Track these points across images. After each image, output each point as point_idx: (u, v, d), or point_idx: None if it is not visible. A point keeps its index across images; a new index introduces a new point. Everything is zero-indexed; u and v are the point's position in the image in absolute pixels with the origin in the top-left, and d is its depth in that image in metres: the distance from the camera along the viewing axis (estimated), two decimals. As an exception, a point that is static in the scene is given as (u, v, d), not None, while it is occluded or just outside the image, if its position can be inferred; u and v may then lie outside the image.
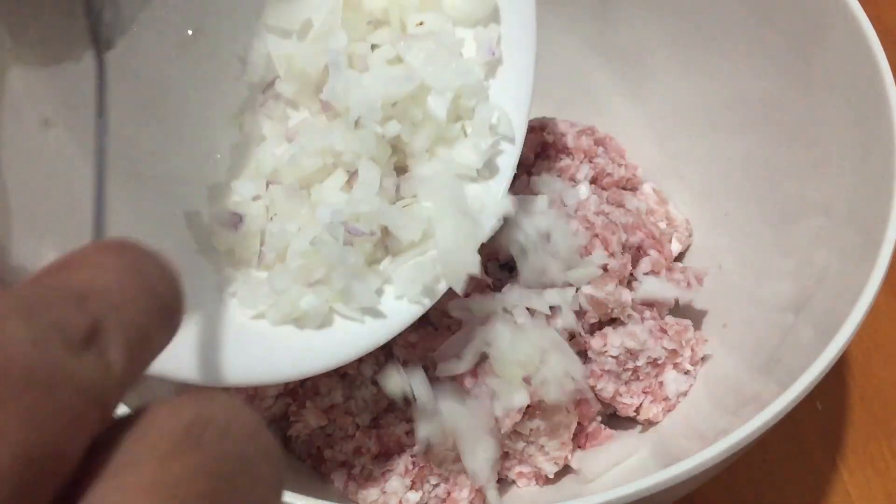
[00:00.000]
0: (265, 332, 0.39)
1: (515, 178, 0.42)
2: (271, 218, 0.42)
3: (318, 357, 0.38)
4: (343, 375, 0.45)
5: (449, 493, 0.43)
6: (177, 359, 0.35)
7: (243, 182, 0.42)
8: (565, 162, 0.51)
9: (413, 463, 0.43)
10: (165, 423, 0.19)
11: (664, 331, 0.45)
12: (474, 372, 0.42)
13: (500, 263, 0.46)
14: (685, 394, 0.46)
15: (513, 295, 0.42)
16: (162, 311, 0.20)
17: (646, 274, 0.47)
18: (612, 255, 0.44)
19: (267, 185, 0.42)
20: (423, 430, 0.40)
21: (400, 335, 0.46)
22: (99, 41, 0.35)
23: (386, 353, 0.45)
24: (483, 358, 0.42)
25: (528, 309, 0.42)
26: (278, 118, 0.44)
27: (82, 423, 0.17)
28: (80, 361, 0.17)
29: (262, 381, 0.38)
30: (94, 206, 0.28)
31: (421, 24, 0.42)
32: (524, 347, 0.41)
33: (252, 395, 0.44)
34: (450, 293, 0.40)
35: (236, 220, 0.41)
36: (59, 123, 0.37)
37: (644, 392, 0.45)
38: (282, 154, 0.43)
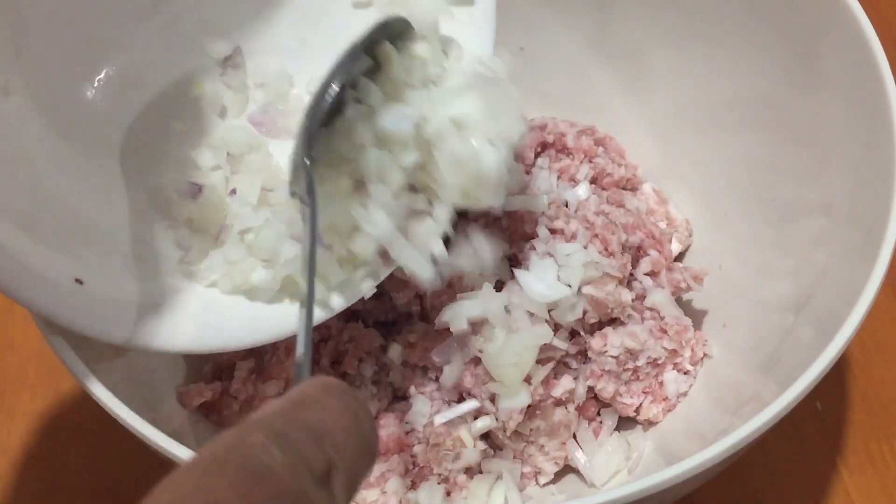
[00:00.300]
0: (219, 301, 0.39)
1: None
2: (233, 191, 0.42)
3: (268, 327, 0.39)
4: (343, 375, 0.45)
5: (449, 493, 0.43)
6: (139, 327, 0.36)
7: (203, 151, 0.43)
8: (565, 162, 0.51)
9: (413, 463, 0.44)
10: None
11: (664, 331, 0.45)
12: (473, 373, 0.43)
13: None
14: (685, 394, 0.46)
15: (511, 297, 0.42)
16: (368, 452, 0.24)
17: (646, 274, 0.47)
18: (612, 255, 0.44)
19: (227, 156, 0.43)
20: None
21: (399, 335, 0.46)
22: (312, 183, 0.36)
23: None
24: (477, 361, 0.42)
25: (528, 312, 0.42)
26: (237, 88, 0.44)
27: None
28: (321, 494, 0.21)
29: (213, 347, 0.39)
30: (305, 335, 0.30)
31: None
32: (516, 348, 0.41)
33: (252, 395, 0.44)
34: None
35: (195, 190, 0.41)
36: (19, 91, 0.37)
37: (644, 392, 0.45)
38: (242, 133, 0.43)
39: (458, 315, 0.42)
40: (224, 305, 0.39)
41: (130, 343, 0.36)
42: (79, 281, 0.35)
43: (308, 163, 0.35)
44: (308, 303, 0.32)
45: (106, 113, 0.41)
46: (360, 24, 0.42)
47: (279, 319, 0.39)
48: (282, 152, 0.44)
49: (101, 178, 0.40)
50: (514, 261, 0.45)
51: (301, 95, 0.45)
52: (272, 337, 0.39)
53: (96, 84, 0.41)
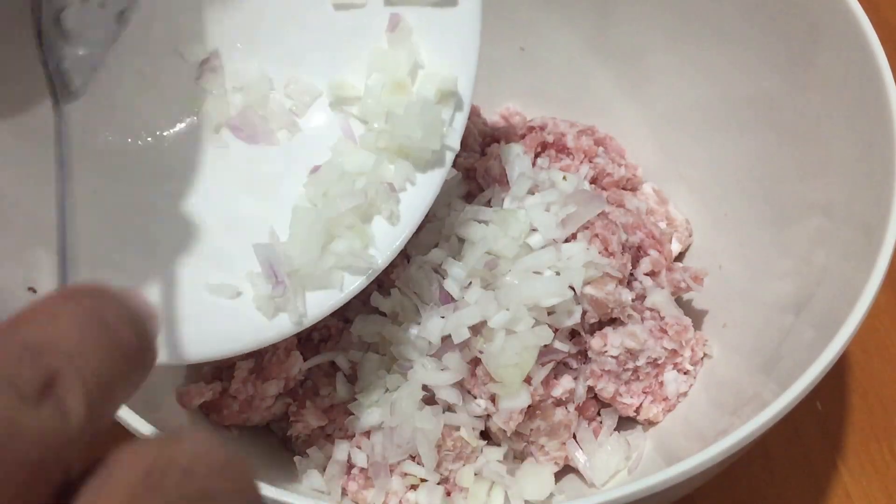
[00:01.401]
0: (219, 304, 0.39)
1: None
2: None
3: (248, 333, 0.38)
4: (346, 376, 0.45)
5: (449, 494, 0.43)
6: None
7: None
8: (565, 162, 0.51)
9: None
10: (126, 469, 0.19)
11: (664, 331, 0.45)
12: (473, 373, 0.43)
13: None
14: (685, 394, 0.46)
15: (510, 298, 0.42)
16: (125, 357, 0.20)
17: (646, 274, 0.47)
18: (612, 255, 0.44)
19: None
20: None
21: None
22: (57, 93, 0.34)
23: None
24: (477, 363, 0.42)
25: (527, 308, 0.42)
26: (216, 92, 0.44)
27: (42, 475, 0.18)
28: (35, 413, 0.18)
29: (221, 353, 0.38)
30: (59, 256, 0.28)
31: None
32: (516, 349, 0.41)
33: (252, 395, 0.44)
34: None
35: None
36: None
37: (644, 392, 0.45)
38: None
39: (459, 325, 0.42)
40: (224, 308, 0.39)
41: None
42: (32, 290, 0.34)
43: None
44: (61, 203, 0.30)
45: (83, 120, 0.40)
46: (341, 26, 0.41)
47: (259, 325, 0.39)
48: (261, 158, 0.44)
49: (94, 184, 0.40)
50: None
51: (281, 99, 0.44)
52: (253, 344, 0.38)
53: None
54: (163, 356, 0.37)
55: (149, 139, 0.43)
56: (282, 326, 0.39)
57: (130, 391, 0.21)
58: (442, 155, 0.41)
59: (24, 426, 0.18)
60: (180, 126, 0.43)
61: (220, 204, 0.42)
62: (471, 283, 0.43)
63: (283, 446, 0.46)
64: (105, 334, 0.20)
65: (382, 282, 0.47)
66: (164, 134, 0.43)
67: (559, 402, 0.44)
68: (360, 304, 0.47)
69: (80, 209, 0.38)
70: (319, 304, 0.39)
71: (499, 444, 0.44)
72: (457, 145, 0.41)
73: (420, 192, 0.41)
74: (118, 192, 0.40)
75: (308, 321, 0.39)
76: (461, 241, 0.44)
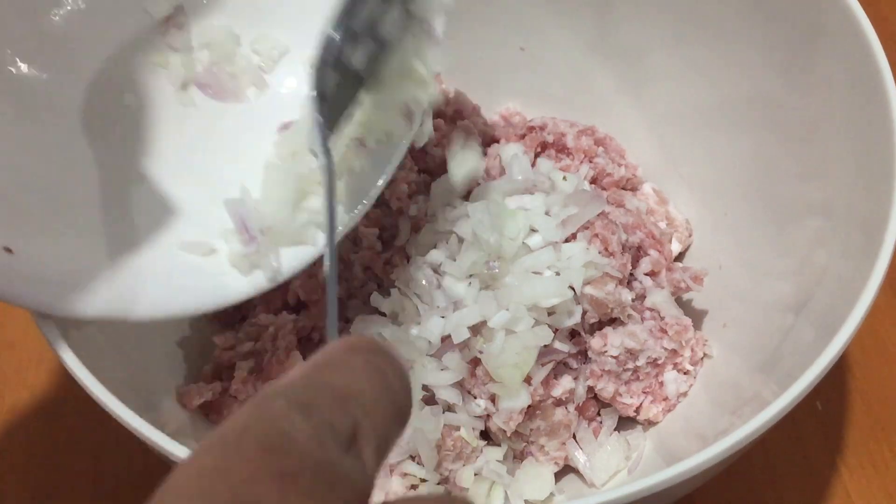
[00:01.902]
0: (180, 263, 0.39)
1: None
2: None
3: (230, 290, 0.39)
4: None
5: (449, 493, 0.43)
6: (90, 296, 0.35)
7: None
8: (565, 162, 0.51)
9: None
10: None
11: (664, 331, 0.45)
12: (473, 373, 0.43)
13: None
14: (685, 394, 0.46)
15: (510, 298, 0.42)
16: (399, 413, 0.23)
17: (646, 274, 0.47)
18: (612, 255, 0.44)
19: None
20: None
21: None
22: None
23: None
24: (477, 363, 0.42)
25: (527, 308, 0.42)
26: (182, 49, 0.43)
27: None
28: (347, 460, 0.20)
29: (197, 309, 0.39)
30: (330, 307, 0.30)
31: None
32: (516, 349, 0.41)
33: (252, 395, 0.44)
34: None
35: None
36: None
37: (644, 392, 0.45)
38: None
39: (458, 326, 0.42)
40: (184, 268, 0.39)
41: (83, 315, 0.35)
42: (7, 250, 0.34)
43: (322, 120, 0.35)
44: (331, 266, 0.32)
45: (50, 85, 0.40)
46: None
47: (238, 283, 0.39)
48: (229, 115, 0.43)
49: (50, 146, 0.39)
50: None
51: (248, 55, 0.44)
52: (230, 299, 0.39)
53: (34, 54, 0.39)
54: (140, 312, 0.37)
55: (117, 97, 0.42)
56: (257, 282, 0.39)
57: (395, 444, 0.23)
58: (411, 112, 0.41)
59: (343, 471, 0.20)
60: (147, 84, 0.43)
61: (189, 161, 0.42)
62: (470, 283, 0.43)
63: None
64: (388, 391, 0.22)
65: (382, 282, 0.47)
66: (132, 93, 0.42)
67: (559, 402, 0.44)
68: (360, 304, 0.47)
69: (51, 166, 0.38)
70: (294, 259, 0.40)
71: (499, 444, 0.44)
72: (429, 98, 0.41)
73: (390, 148, 0.41)
74: (87, 151, 0.40)
75: (282, 276, 0.39)
76: (461, 240, 0.44)
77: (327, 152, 0.36)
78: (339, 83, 0.37)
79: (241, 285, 0.39)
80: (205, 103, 0.43)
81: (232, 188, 0.41)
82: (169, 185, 0.41)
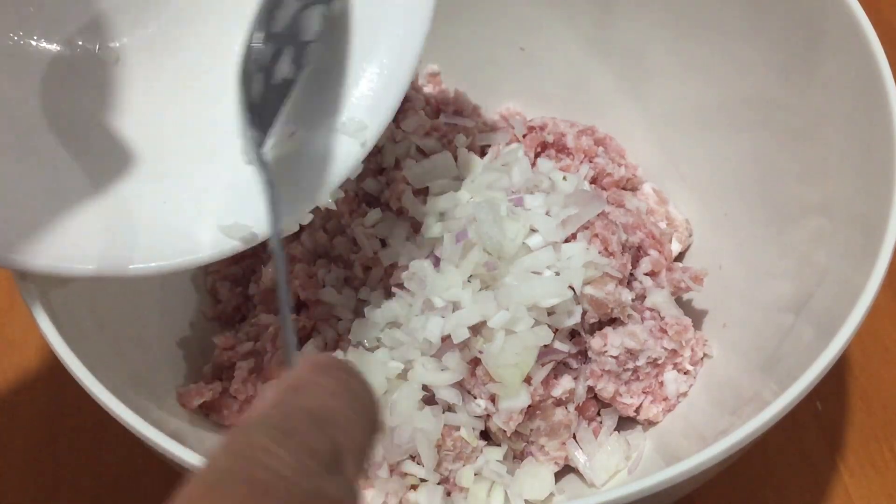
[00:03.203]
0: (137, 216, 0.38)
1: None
2: None
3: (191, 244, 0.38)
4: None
5: (449, 494, 0.43)
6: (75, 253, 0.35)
7: None
8: (565, 162, 0.51)
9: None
10: None
11: (664, 331, 0.45)
12: (473, 373, 0.43)
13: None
14: (685, 394, 0.46)
15: (510, 298, 0.42)
16: (372, 425, 0.23)
17: (646, 274, 0.47)
18: (612, 255, 0.44)
19: None
20: None
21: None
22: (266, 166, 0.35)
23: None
24: (477, 363, 0.42)
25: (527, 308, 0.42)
26: None
27: None
28: (333, 482, 0.20)
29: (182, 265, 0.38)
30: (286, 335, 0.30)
31: None
32: (516, 349, 0.41)
33: (252, 395, 0.44)
34: None
35: None
36: None
37: (644, 392, 0.45)
38: None
39: (458, 326, 0.42)
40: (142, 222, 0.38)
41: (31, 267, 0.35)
42: None
43: (254, 133, 0.35)
44: (282, 286, 0.31)
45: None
46: None
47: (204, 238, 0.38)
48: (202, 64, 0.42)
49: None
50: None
51: None
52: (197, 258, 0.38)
53: None
54: (135, 263, 0.36)
55: (88, 48, 0.41)
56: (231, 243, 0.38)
57: (370, 458, 0.24)
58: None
59: (329, 495, 0.20)
60: (116, 37, 0.42)
61: (165, 113, 0.41)
62: (470, 282, 0.43)
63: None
64: (360, 408, 0.22)
65: (382, 282, 0.47)
66: (105, 45, 0.41)
67: (559, 402, 0.44)
68: (359, 305, 0.47)
69: (23, 119, 0.37)
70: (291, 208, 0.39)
71: (499, 444, 0.44)
72: None
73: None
74: (60, 103, 0.39)
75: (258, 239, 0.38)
76: (461, 240, 0.44)
77: (264, 164, 0.35)
78: (268, 89, 0.36)
79: (225, 240, 0.38)
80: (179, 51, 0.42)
81: (218, 137, 0.40)
82: (147, 139, 0.40)
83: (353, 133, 0.40)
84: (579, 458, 0.44)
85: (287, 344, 0.29)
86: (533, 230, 0.44)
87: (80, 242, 0.36)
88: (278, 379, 0.23)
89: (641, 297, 0.46)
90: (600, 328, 0.45)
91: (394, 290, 0.46)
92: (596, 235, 0.44)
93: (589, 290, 0.43)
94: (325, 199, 0.40)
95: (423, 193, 0.49)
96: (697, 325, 0.48)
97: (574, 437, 0.45)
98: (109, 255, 0.36)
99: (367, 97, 0.41)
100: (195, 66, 0.42)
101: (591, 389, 0.45)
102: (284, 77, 0.37)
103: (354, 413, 0.22)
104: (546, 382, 0.43)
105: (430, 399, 0.43)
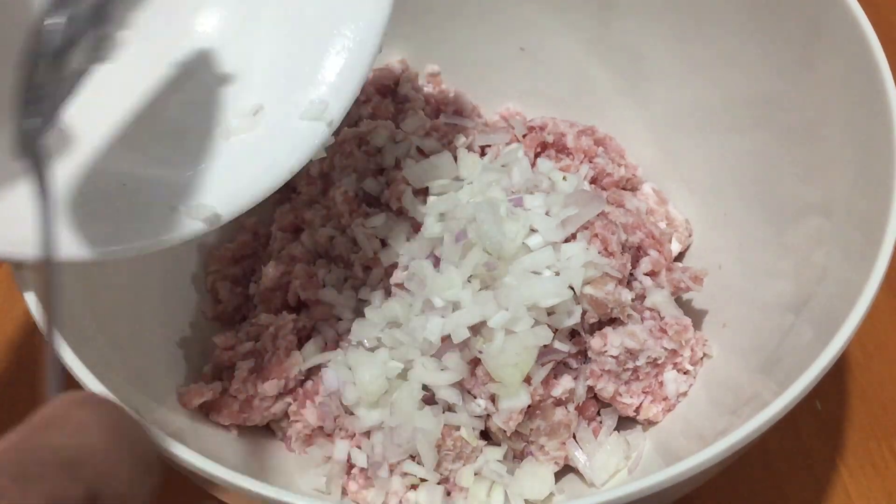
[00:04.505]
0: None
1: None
2: None
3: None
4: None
5: (449, 493, 0.43)
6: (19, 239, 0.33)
7: None
8: (565, 162, 0.51)
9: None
10: None
11: (664, 331, 0.45)
12: (473, 373, 0.43)
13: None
14: (685, 394, 0.46)
15: (510, 298, 0.42)
16: (143, 468, 0.20)
17: (646, 274, 0.47)
18: (611, 255, 0.44)
19: None
20: None
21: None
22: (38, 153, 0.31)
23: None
24: (477, 363, 0.42)
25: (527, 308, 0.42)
26: None
27: None
28: None
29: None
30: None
31: None
32: (516, 349, 0.41)
33: (252, 395, 0.44)
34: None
35: None
36: None
37: (644, 392, 0.45)
38: None
39: (458, 326, 0.42)
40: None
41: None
42: None
43: (36, 125, 0.30)
44: (51, 305, 0.29)
45: None
46: None
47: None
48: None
49: None
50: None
51: None
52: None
53: None
54: (93, 247, 0.35)
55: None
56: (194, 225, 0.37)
57: (146, 501, 0.20)
58: None
59: None
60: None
61: (110, 94, 0.39)
62: (470, 282, 0.43)
63: (283, 446, 0.46)
64: (128, 448, 0.20)
65: (382, 282, 0.47)
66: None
67: (559, 402, 0.44)
68: (359, 305, 0.47)
69: None
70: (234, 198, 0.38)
71: (499, 444, 0.44)
72: None
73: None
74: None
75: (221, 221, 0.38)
76: (461, 240, 0.44)
77: (41, 159, 0.31)
78: (54, 76, 0.31)
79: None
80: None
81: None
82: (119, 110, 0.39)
83: (316, 113, 0.40)
84: (579, 458, 0.44)
85: (49, 375, 0.25)
86: (533, 230, 0.44)
87: (19, 226, 0.34)
88: (28, 415, 0.19)
89: (641, 297, 0.46)
90: (600, 328, 0.45)
91: (394, 290, 0.46)
92: (596, 235, 0.44)
93: (589, 290, 0.43)
94: (286, 178, 0.39)
95: (423, 193, 0.49)
96: (697, 325, 0.48)
97: (574, 436, 0.45)
98: (54, 239, 0.33)
99: (332, 76, 0.40)
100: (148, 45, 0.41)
101: (591, 389, 0.45)
102: (76, 69, 0.32)
103: (120, 454, 0.19)
104: (546, 382, 0.43)
105: (430, 399, 0.43)
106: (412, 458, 0.43)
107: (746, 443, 0.32)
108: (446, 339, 0.42)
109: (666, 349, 0.45)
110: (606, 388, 0.44)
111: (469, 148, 0.51)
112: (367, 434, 0.43)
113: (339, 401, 0.44)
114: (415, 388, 0.42)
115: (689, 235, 0.52)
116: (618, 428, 0.46)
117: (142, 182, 0.38)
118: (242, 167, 0.39)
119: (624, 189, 0.52)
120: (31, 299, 0.35)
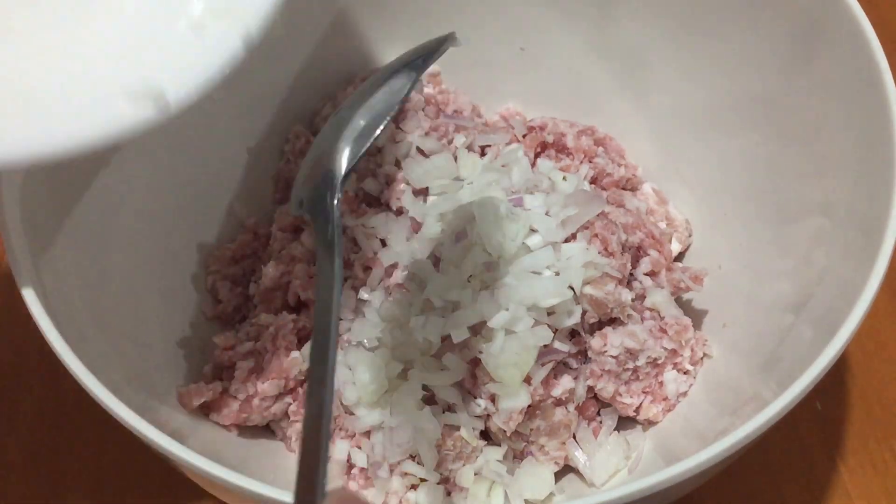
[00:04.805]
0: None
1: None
2: None
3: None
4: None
5: (449, 493, 0.43)
6: None
7: None
8: (565, 162, 0.51)
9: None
10: None
11: (664, 331, 0.45)
12: (473, 373, 0.43)
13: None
14: (685, 394, 0.46)
15: (510, 298, 0.42)
16: None
17: (646, 274, 0.47)
18: (611, 254, 0.44)
19: None
20: None
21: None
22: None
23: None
24: (477, 363, 0.42)
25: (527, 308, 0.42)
26: None
27: None
28: None
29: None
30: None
31: None
32: (515, 349, 0.41)
33: (252, 395, 0.44)
34: None
35: None
36: None
37: (644, 392, 0.45)
38: None
39: (458, 326, 0.42)
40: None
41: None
42: None
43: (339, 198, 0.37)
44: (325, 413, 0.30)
45: None
46: None
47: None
48: None
49: None
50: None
51: None
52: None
53: None
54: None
55: None
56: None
57: None
58: None
59: None
60: None
61: None
62: (470, 282, 0.43)
63: (283, 446, 0.46)
64: None
65: (382, 282, 0.47)
66: None
67: (559, 402, 0.44)
68: (359, 305, 0.47)
69: None
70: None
71: (499, 444, 0.44)
72: None
73: None
74: None
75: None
76: (461, 240, 0.44)
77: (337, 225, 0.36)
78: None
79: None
80: None
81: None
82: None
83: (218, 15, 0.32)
84: (579, 458, 0.44)
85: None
86: (533, 230, 0.44)
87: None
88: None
89: (641, 297, 0.46)
90: (600, 328, 0.45)
91: (394, 290, 0.46)
92: (596, 235, 0.44)
93: (589, 290, 0.43)
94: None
95: (423, 193, 0.49)
96: (697, 325, 0.48)
97: (574, 436, 0.45)
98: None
99: None
100: None
101: (590, 389, 0.45)
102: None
103: None
104: (546, 382, 0.43)
105: (430, 399, 0.43)
106: (412, 458, 0.43)
107: (746, 443, 0.32)
108: (446, 339, 0.42)
109: (666, 349, 0.45)
110: (606, 388, 0.44)
111: (469, 148, 0.51)
112: (367, 434, 0.43)
113: (339, 401, 0.44)
114: (415, 388, 0.42)
115: (689, 235, 0.52)
116: (618, 428, 0.46)
117: (60, 63, 0.32)
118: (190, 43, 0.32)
119: (624, 189, 0.52)
120: (31, 298, 0.35)
